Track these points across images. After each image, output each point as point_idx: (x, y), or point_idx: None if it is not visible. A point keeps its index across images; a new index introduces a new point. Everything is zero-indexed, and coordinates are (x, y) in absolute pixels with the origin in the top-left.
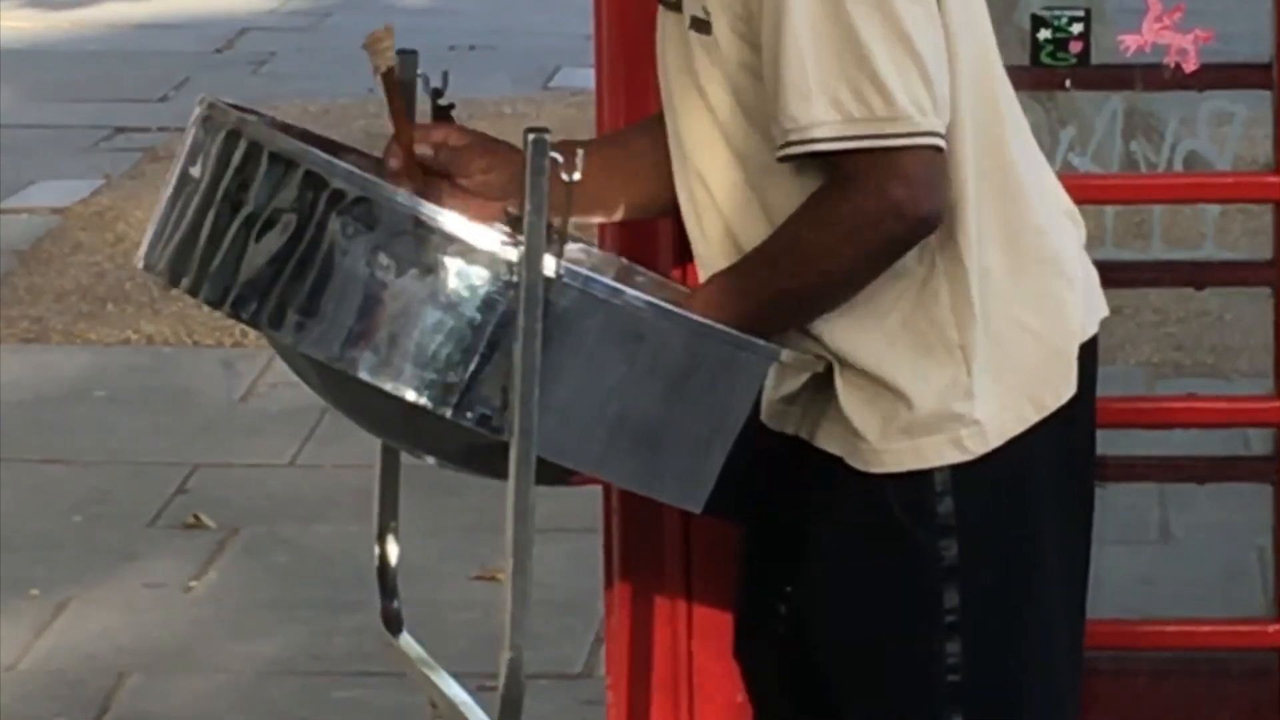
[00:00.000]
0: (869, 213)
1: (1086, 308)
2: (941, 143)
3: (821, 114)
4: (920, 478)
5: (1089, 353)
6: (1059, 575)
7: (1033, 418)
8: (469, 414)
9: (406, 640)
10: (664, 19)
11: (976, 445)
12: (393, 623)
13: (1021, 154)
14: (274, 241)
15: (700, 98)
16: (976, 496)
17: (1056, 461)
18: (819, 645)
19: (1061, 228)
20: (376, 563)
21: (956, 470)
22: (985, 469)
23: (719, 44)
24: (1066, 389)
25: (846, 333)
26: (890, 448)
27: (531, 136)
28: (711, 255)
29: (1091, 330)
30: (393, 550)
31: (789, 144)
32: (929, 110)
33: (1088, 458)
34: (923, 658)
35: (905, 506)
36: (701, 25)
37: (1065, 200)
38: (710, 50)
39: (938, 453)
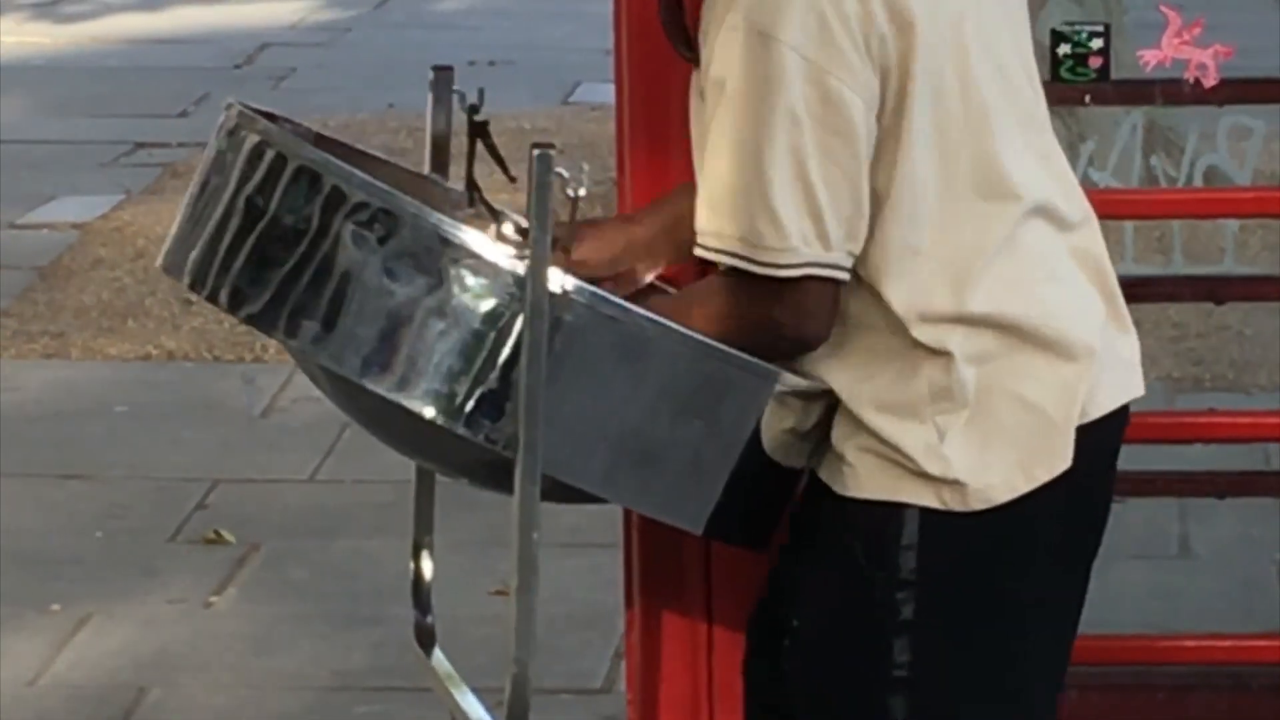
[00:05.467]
0: (751, 324)
1: (1102, 385)
2: (830, 273)
3: (721, 227)
4: (890, 525)
5: (1109, 429)
6: (1037, 637)
7: (1022, 488)
8: (478, 430)
9: (438, 657)
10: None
11: (954, 502)
12: (426, 638)
13: (1032, 238)
14: (293, 251)
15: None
16: (943, 556)
17: (1055, 529)
18: (788, 676)
19: (1080, 310)
20: (411, 577)
21: (925, 525)
22: (958, 532)
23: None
24: (1061, 462)
25: (835, 376)
26: (867, 468)
27: (536, 152)
28: None
29: (1108, 407)
30: (427, 566)
31: (695, 244)
32: (814, 243)
33: (1094, 527)
34: (867, 708)
35: (869, 553)
36: (702, 95)
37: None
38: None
39: (914, 491)
